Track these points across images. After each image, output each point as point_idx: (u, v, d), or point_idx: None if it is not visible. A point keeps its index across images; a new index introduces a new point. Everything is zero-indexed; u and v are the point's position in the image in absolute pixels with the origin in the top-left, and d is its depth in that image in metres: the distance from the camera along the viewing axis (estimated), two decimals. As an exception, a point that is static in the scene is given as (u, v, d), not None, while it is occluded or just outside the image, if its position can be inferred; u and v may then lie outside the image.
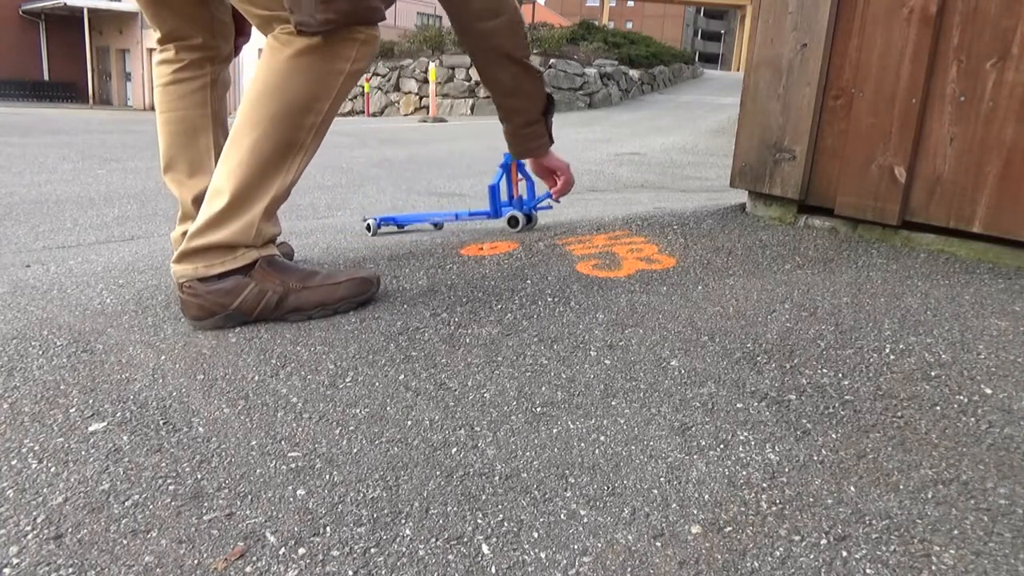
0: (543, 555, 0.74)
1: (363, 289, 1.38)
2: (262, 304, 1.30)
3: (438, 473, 0.88)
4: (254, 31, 1.55)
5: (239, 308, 1.29)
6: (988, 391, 1.07)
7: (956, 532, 0.77)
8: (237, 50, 1.62)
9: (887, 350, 1.21)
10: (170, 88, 1.50)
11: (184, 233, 1.52)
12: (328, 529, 0.78)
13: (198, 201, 1.47)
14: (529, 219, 2.04)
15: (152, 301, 1.46)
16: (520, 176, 2.00)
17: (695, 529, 0.78)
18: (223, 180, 1.28)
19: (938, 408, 1.03)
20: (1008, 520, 0.79)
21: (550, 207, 2.04)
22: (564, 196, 1.88)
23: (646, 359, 1.18)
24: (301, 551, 0.75)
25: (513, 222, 2.03)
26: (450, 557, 0.74)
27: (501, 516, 0.80)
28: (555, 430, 0.97)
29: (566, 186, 1.84)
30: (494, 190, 1.98)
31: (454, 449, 0.93)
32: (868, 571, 0.72)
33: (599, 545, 0.76)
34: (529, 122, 1.69)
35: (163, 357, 1.18)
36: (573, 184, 1.85)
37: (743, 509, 0.81)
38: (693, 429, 0.98)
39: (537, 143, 1.73)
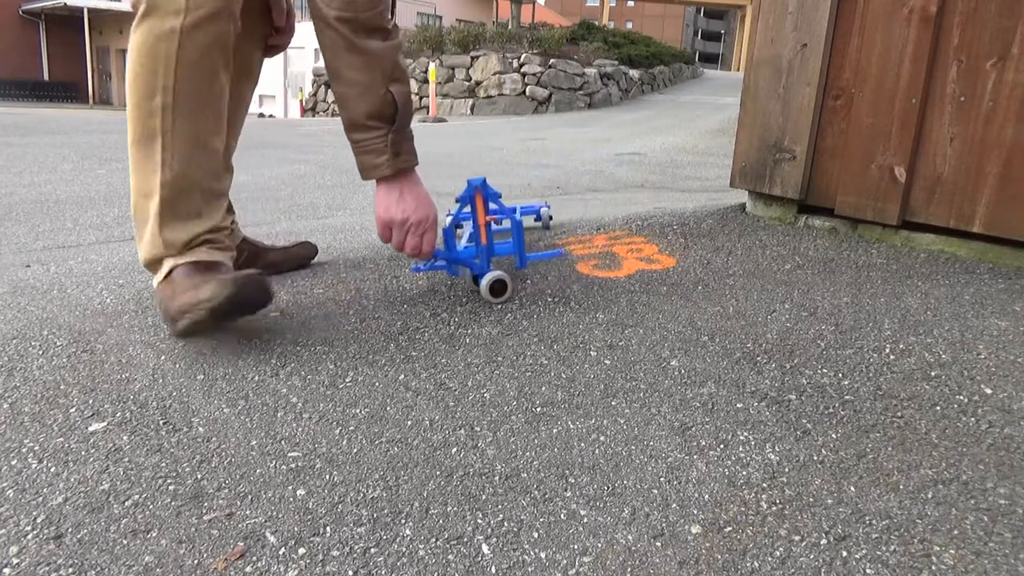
0: (543, 555, 0.74)
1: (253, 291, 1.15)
2: (163, 315, 1.18)
3: (438, 473, 0.88)
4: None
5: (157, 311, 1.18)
6: (988, 391, 1.07)
7: (956, 532, 0.77)
8: (271, 50, 1.47)
9: (887, 350, 1.21)
10: None
11: None
12: (328, 529, 0.78)
13: None
14: (502, 288, 1.40)
15: (152, 301, 1.45)
16: (493, 215, 1.41)
17: (695, 529, 0.78)
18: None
19: (938, 408, 1.03)
20: (1008, 520, 0.79)
21: (559, 252, 1.60)
22: (420, 260, 1.30)
23: (646, 359, 1.18)
24: (301, 551, 0.75)
25: (498, 289, 1.40)
26: (450, 557, 0.74)
27: (501, 516, 0.80)
28: (555, 430, 0.97)
29: (413, 249, 1.25)
30: (447, 233, 1.42)
31: (454, 449, 0.93)
32: (868, 571, 0.72)
33: (599, 545, 0.76)
34: (353, 124, 1.19)
35: (163, 357, 1.18)
36: (418, 248, 1.25)
37: (743, 509, 0.81)
38: (693, 429, 0.98)
39: (367, 161, 1.21)
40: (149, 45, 1.09)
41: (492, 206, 1.44)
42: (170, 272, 1.16)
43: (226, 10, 1.12)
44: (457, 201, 1.41)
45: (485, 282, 1.38)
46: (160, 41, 1.09)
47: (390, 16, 1.18)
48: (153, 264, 1.18)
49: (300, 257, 1.65)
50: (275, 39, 1.45)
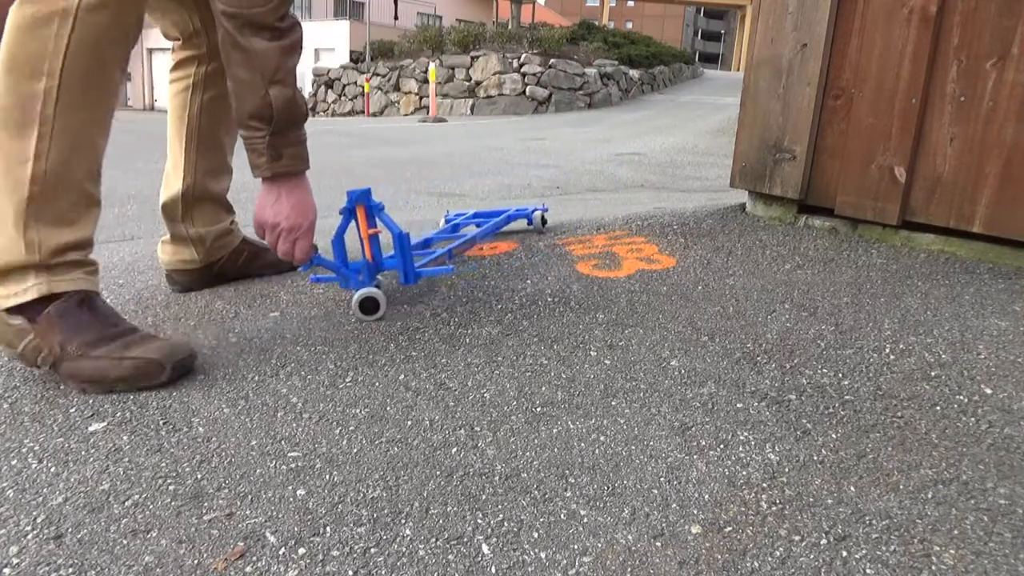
0: (543, 555, 0.74)
1: (147, 374, 1.06)
2: (39, 359, 1.06)
3: (438, 473, 0.88)
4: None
5: (22, 356, 1.06)
6: (988, 391, 1.07)
7: (956, 532, 0.77)
8: None
9: (887, 350, 1.21)
10: (169, 87, 1.48)
11: (161, 241, 1.48)
12: (328, 529, 0.78)
13: (164, 208, 1.43)
14: (373, 307, 1.33)
15: (152, 301, 1.46)
16: (376, 226, 1.36)
17: (695, 529, 0.78)
18: None
19: (938, 408, 1.03)
20: (1008, 520, 0.79)
21: (450, 269, 1.45)
22: (300, 264, 1.25)
23: (646, 359, 1.18)
24: (301, 551, 0.75)
25: (368, 307, 1.33)
26: (450, 557, 0.74)
27: (501, 516, 0.80)
28: (555, 430, 0.97)
29: (285, 254, 1.21)
30: (336, 244, 1.37)
31: (454, 449, 0.93)
32: (868, 571, 0.72)
33: (599, 545, 0.76)
34: (239, 121, 1.14)
35: (163, 357, 1.18)
36: (289, 255, 1.21)
37: (743, 509, 0.81)
38: (693, 429, 0.98)
39: (250, 159, 1.16)
40: (37, 21, 0.99)
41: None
42: (40, 301, 1.04)
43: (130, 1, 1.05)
44: (340, 213, 1.35)
45: (355, 298, 1.33)
46: (51, 20, 0.99)
47: (285, 14, 1.12)
48: (7, 273, 1.04)
49: None
50: None
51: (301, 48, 1.17)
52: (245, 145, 1.16)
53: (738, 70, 28.95)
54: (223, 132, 1.46)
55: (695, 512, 0.81)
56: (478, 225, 1.91)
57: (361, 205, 1.33)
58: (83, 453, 0.91)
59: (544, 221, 1.99)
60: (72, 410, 1.02)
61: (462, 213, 2.02)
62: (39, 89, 1.01)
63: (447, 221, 1.95)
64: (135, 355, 1.07)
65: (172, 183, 1.43)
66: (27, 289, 1.04)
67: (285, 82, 1.13)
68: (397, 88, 13.73)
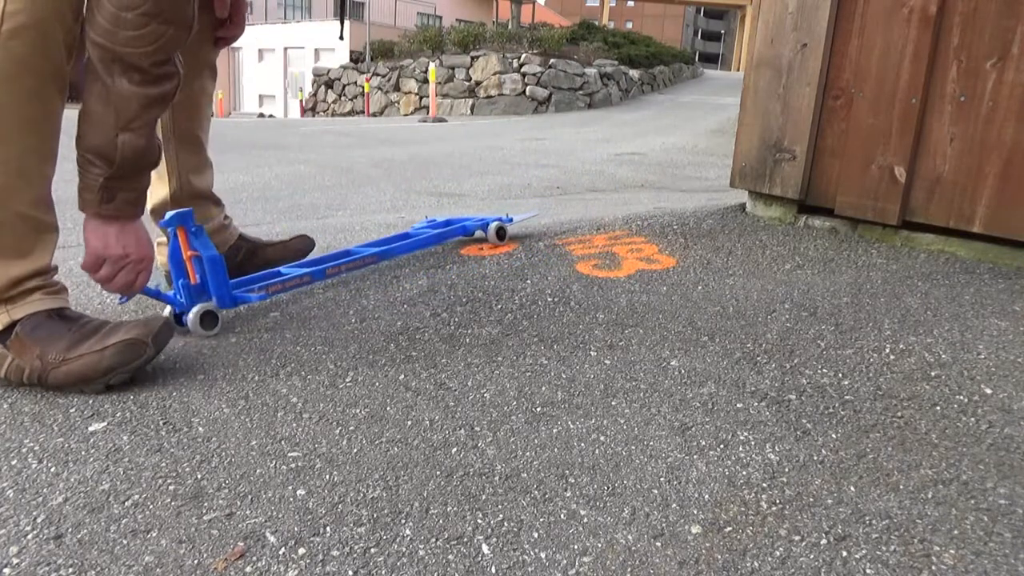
0: (543, 555, 0.74)
1: (134, 355, 1.06)
2: (24, 377, 1.05)
3: (438, 473, 0.88)
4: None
5: (7, 379, 1.06)
6: (988, 391, 1.07)
7: (956, 532, 0.77)
8: (220, 43, 1.43)
9: (887, 350, 1.21)
10: None
11: (157, 243, 1.46)
12: (328, 529, 0.78)
13: (154, 212, 1.42)
14: (213, 321, 1.30)
15: (152, 301, 1.45)
16: (194, 250, 1.29)
17: (695, 529, 0.78)
18: None
19: (938, 408, 1.03)
20: (1008, 520, 0.79)
21: (264, 297, 1.40)
22: (133, 293, 1.18)
23: (646, 359, 1.18)
24: (301, 551, 0.75)
25: (208, 321, 1.30)
26: (450, 557, 0.74)
27: (501, 516, 0.80)
28: (555, 430, 0.97)
29: (124, 285, 1.13)
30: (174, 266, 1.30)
31: (454, 449, 0.93)
32: (868, 571, 0.72)
33: (599, 545, 0.76)
34: (81, 148, 1.06)
35: (163, 357, 1.18)
36: (124, 285, 1.13)
37: (743, 509, 0.81)
38: (693, 429, 0.98)
39: (79, 188, 1.08)
40: None
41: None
42: (9, 328, 1.04)
43: (52, 18, 0.98)
44: (162, 227, 1.31)
45: (192, 316, 1.28)
46: None
47: (165, 60, 1.03)
48: None
49: (298, 251, 1.64)
50: (223, 31, 1.41)
51: (170, 100, 1.08)
52: (79, 171, 1.06)
53: (738, 70, 28.95)
54: (198, 128, 1.45)
55: (695, 512, 0.81)
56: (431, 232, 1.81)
57: (181, 227, 1.28)
58: (83, 453, 0.91)
59: (500, 231, 1.86)
60: (72, 410, 1.02)
61: (433, 220, 1.94)
62: None
63: (414, 229, 1.86)
64: (115, 341, 1.05)
65: (157, 189, 1.42)
66: None
67: (139, 132, 1.04)
68: (397, 88, 13.73)
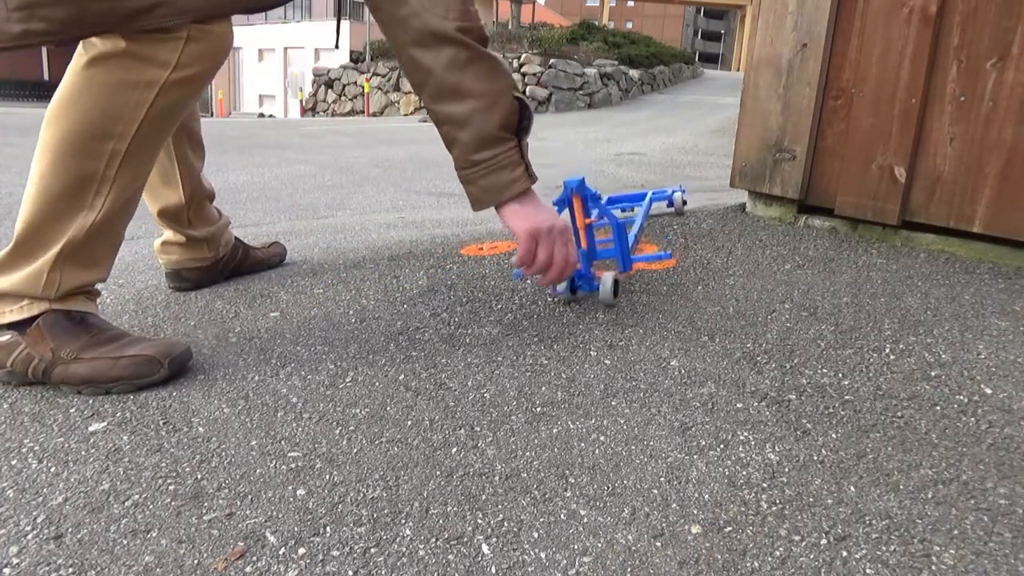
0: (543, 555, 0.74)
1: (146, 371, 1.07)
2: (30, 369, 1.06)
3: (438, 473, 0.88)
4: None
5: (12, 371, 1.07)
6: (988, 391, 1.07)
7: (956, 532, 0.77)
8: None
9: (887, 350, 1.21)
10: None
11: (164, 243, 1.47)
12: (328, 529, 0.78)
13: (164, 214, 1.42)
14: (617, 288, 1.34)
15: (152, 301, 1.46)
16: (590, 216, 1.33)
17: (695, 529, 0.78)
18: (19, 215, 1.07)
19: (938, 408, 1.03)
20: (1008, 520, 0.79)
21: (667, 255, 1.52)
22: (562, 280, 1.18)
23: (646, 359, 1.18)
24: (301, 551, 0.75)
25: (616, 290, 1.37)
26: (450, 557, 0.74)
27: (501, 516, 0.80)
28: (555, 430, 0.97)
29: (549, 259, 1.14)
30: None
31: (454, 449, 0.93)
32: (868, 571, 0.72)
33: (599, 545, 0.76)
34: (483, 141, 1.07)
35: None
36: (565, 257, 1.14)
37: (743, 509, 0.81)
38: (693, 429, 0.98)
39: (499, 179, 1.09)
40: (118, 87, 1.00)
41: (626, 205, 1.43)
42: (35, 317, 1.06)
43: (212, 71, 1.07)
44: (554, 204, 1.32)
45: (607, 284, 1.35)
46: (134, 88, 1.00)
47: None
48: (14, 299, 1.06)
49: (277, 255, 1.71)
50: None
51: None
52: (489, 167, 1.08)
53: (738, 70, 28.95)
54: (198, 126, 1.45)
55: (695, 512, 0.81)
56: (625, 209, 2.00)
57: (577, 195, 1.32)
58: (83, 453, 0.91)
59: (684, 203, 2.03)
60: (72, 410, 1.02)
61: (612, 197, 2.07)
62: (107, 149, 1.02)
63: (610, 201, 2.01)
64: (132, 353, 1.08)
65: (163, 193, 1.40)
66: (17, 309, 1.06)
67: (507, 71, 1.11)
68: (397, 88, 13.72)
